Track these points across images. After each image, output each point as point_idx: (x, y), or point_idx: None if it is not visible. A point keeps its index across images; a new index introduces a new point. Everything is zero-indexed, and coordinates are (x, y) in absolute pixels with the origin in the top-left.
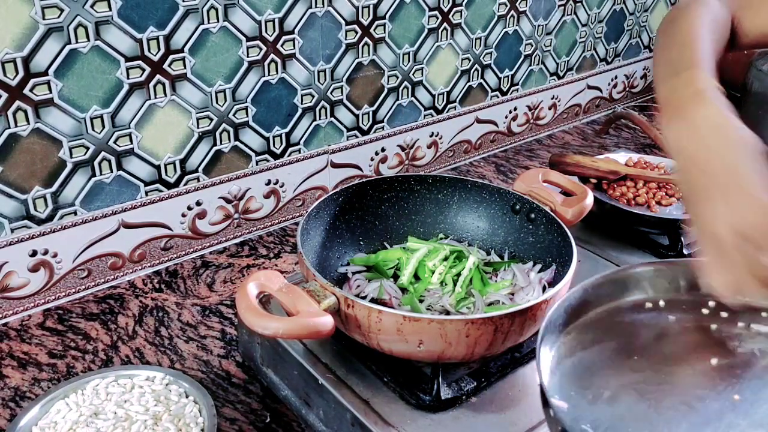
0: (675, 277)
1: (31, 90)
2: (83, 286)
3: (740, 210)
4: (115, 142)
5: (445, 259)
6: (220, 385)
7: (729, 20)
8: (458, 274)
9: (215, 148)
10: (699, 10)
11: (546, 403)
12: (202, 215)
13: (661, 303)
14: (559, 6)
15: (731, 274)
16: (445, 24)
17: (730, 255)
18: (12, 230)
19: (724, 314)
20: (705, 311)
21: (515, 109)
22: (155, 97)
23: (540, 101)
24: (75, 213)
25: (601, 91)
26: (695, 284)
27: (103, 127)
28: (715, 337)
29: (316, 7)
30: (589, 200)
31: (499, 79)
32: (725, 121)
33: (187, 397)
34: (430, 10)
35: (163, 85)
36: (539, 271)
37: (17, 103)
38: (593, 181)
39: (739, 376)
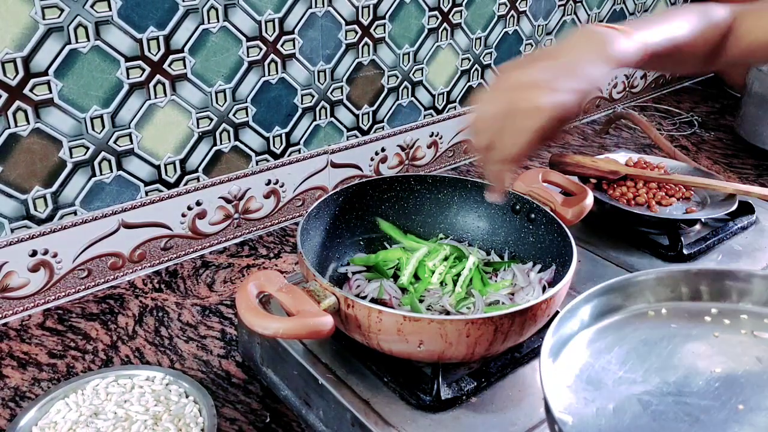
0: (677, 284)
1: (31, 90)
2: (83, 286)
3: (529, 71)
4: (115, 142)
5: (445, 259)
6: (220, 385)
7: (725, 21)
8: (458, 274)
9: (215, 148)
10: (692, 7)
11: (551, 417)
12: (202, 215)
13: (664, 311)
14: (559, 6)
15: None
16: (445, 24)
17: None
18: (12, 230)
19: (726, 321)
20: (708, 318)
21: None
22: (155, 97)
23: None
24: (75, 213)
25: (601, 91)
26: (698, 291)
27: (103, 127)
28: (718, 345)
29: (316, 7)
30: (589, 200)
31: None
32: (602, 32)
33: (187, 397)
34: (430, 10)
35: (163, 85)
36: (539, 271)
37: (17, 103)
38: (593, 181)
39: (743, 385)
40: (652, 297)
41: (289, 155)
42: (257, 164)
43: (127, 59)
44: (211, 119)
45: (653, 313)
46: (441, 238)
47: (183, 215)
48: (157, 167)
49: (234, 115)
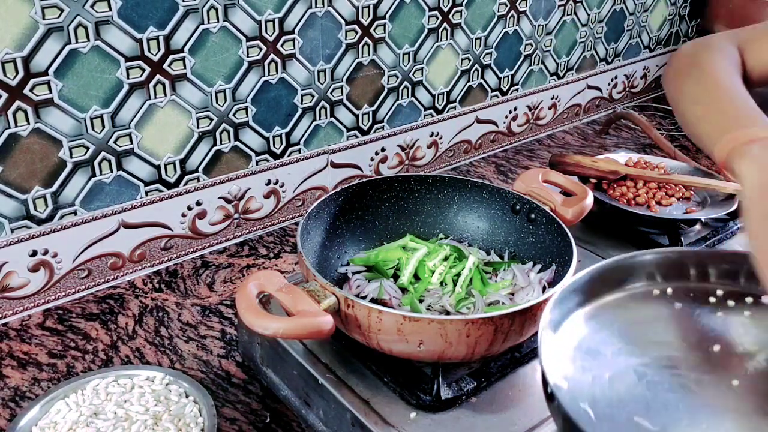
0: (684, 264)
1: (31, 90)
2: (83, 286)
3: None
4: (115, 142)
5: (445, 259)
6: (220, 385)
7: (740, 59)
8: (458, 274)
9: (215, 148)
10: (719, 59)
11: (545, 383)
12: (202, 215)
13: (669, 290)
14: (559, 6)
15: None
16: (445, 24)
17: None
18: (12, 230)
19: (731, 303)
20: (712, 300)
21: (515, 109)
22: (155, 97)
23: (540, 101)
24: (75, 213)
25: (601, 91)
26: (704, 272)
27: (103, 127)
28: (720, 325)
29: (316, 7)
30: (589, 200)
31: (499, 79)
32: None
33: (187, 397)
34: (430, 10)
35: (163, 85)
36: (539, 271)
37: (17, 103)
38: (593, 181)
39: (740, 363)
40: (658, 275)
41: (289, 155)
42: (257, 164)
43: (127, 59)
44: (211, 119)
45: (658, 292)
46: (441, 238)
47: (183, 215)
48: (157, 167)
49: (234, 115)
